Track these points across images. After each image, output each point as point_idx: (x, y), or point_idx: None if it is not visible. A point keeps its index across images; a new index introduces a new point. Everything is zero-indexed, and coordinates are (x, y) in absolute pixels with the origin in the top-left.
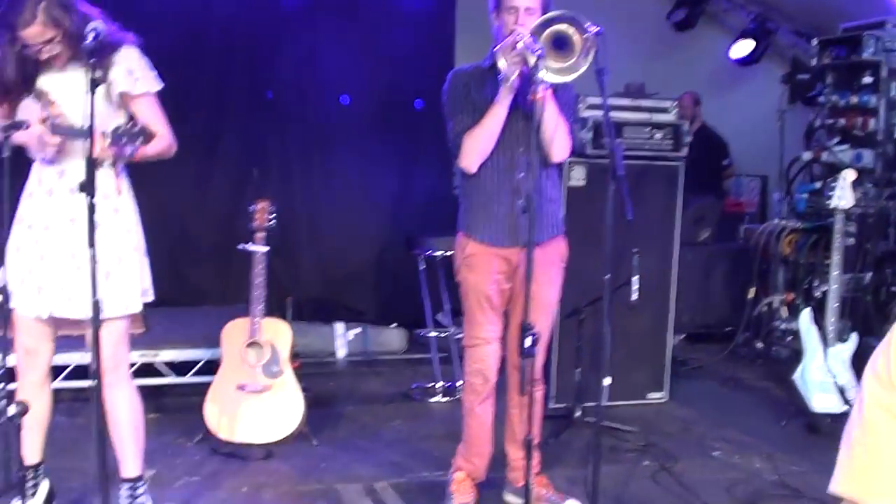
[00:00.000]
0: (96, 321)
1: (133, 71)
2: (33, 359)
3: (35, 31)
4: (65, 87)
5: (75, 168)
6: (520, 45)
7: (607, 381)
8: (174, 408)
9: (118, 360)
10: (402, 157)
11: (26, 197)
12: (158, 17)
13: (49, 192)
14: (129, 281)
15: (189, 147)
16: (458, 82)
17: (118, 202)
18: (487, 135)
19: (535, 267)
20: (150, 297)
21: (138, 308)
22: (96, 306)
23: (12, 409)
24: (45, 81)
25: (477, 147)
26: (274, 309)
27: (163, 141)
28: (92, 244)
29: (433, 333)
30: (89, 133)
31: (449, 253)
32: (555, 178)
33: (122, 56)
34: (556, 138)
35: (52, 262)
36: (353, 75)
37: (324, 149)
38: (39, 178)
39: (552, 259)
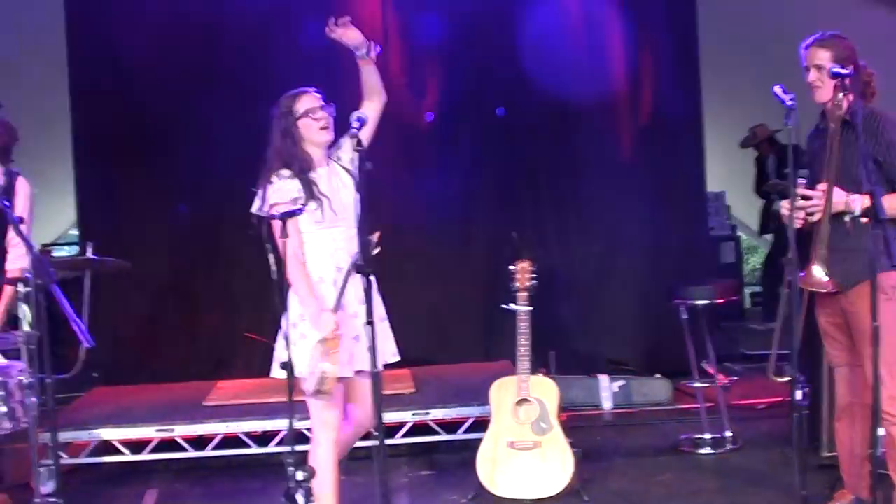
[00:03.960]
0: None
1: None
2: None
3: (317, 97)
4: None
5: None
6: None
7: (881, 431)
8: (447, 465)
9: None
10: (657, 204)
11: (318, 283)
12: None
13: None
14: (390, 337)
15: (450, 209)
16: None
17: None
18: None
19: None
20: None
21: (395, 358)
22: (377, 377)
23: (300, 475)
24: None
25: None
26: (537, 363)
27: None
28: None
29: (698, 384)
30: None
31: (711, 301)
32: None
33: None
34: None
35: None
36: (611, 127)
37: (578, 201)
38: (337, 267)
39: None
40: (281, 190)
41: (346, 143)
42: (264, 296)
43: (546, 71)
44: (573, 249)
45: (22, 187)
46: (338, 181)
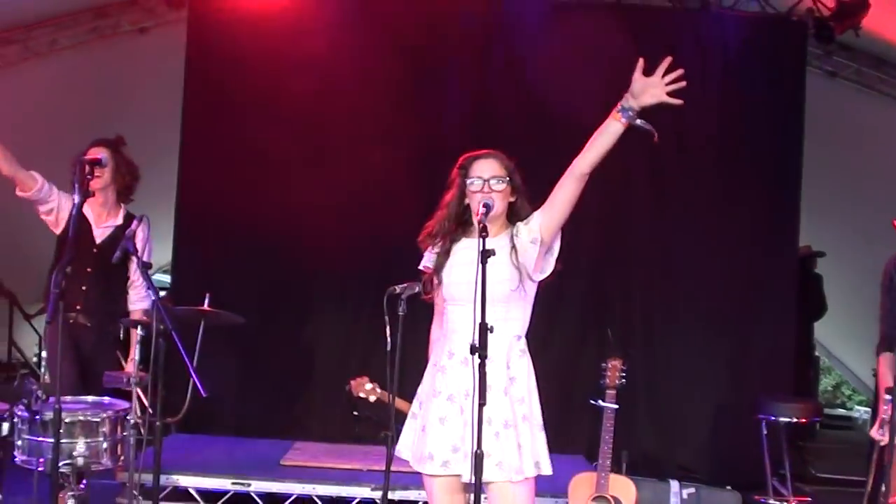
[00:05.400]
0: (478, 477)
1: None
2: None
3: (494, 165)
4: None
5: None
6: None
7: None
8: None
9: None
10: (744, 317)
11: (437, 370)
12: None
13: (464, 361)
14: (523, 447)
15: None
16: (890, 265)
17: (516, 372)
18: None
19: None
20: (547, 471)
21: (531, 474)
22: (479, 458)
23: None
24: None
25: None
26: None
27: None
28: (482, 403)
29: (773, 501)
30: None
31: (795, 420)
32: None
33: None
34: None
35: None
36: (706, 238)
37: (668, 306)
38: (450, 351)
39: None
40: (427, 256)
41: (535, 220)
42: (346, 360)
43: (649, 189)
44: (656, 351)
45: (144, 231)
46: (473, 259)
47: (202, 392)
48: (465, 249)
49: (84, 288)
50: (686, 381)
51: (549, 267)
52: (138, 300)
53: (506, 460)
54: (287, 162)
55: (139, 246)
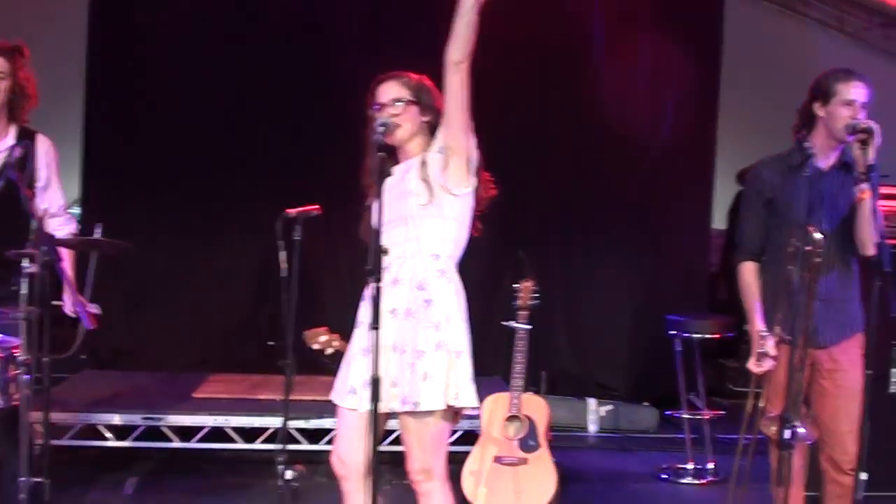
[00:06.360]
0: (375, 403)
1: None
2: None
3: (394, 87)
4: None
5: (398, 262)
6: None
7: (864, 475)
8: None
9: (425, 462)
10: (661, 237)
11: (363, 300)
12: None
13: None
14: (430, 377)
15: None
16: (758, 177)
17: (432, 294)
18: None
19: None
20: (467, 402)
21: (437, 407)
22: (375, 382)
23: (290, 474)
24: None
25: None
26: (528, 382)
27: None
28: (376, 328)
29: (686, 415)
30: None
31: (707, 336)
32: (857, 274)
33: None
34: (874, 232)
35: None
36: (622, 159)
37: (583, 228)
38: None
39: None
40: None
41: (440, 129)
42: (263, 289)
43: (564, 101)
44: (573, 274)
45: (47, 152)
46: (395, 181)
47: (86, 324)
48: (395, 175)
49: None
50: (604, 300)
51: (469, 179)
52: (60, 226)
53: (404, 389)
54: (199, 90)
55: (39, 167)
